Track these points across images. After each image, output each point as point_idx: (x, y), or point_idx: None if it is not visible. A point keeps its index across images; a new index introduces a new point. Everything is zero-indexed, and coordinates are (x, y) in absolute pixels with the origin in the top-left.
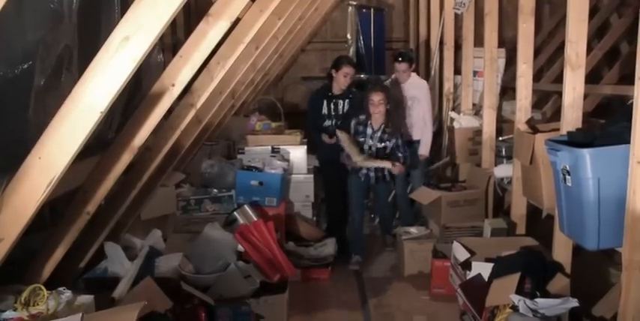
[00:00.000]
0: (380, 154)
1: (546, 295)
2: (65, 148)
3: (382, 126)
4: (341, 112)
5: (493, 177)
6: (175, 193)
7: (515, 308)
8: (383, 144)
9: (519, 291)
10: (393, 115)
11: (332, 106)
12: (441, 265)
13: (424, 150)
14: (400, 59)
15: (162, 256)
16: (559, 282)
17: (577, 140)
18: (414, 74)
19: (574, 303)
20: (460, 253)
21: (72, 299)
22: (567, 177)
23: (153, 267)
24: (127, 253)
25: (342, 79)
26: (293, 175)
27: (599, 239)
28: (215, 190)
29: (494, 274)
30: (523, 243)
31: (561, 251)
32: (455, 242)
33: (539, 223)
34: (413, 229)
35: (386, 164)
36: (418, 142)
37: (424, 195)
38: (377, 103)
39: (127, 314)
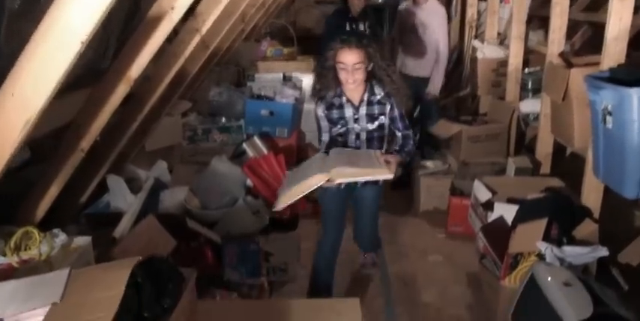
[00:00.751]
0: (374, 142)
1: (573, 241)
2: (42, 82)
3: (366, 96)
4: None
5: (517, 111)
6: (181, 123)
7: (541, 256)
8: (376, 122)
9: (545, 237)
10: (381, 72)
11: (353, 28)
12: (459, 202)
13: (434, 87)
14: None
15: (167, 189)
16: (587, 227)
17: (621, 77)
18: None
19: (603, 252)
20: (481, 193)
21: (67, 242)
22: (608, 118)
23: (157, 201)
24: (131, 185)
25: (357, 1)
26: (305, 105)
27: None
28: (223, 120)
29: (519, 219)
30: (549, 184)
31: (591, 196)
32: (476, 181)
33: (562, 162)
34: (430, 164)
35: (379, 174)
36: (428, 80)
37: (443, 128)
38: (351, 67)
39: (118, 272)
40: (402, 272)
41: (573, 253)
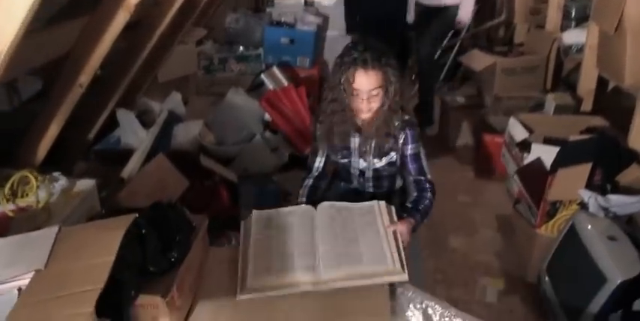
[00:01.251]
0: (384, 182)
1: (617, 188)
2: (10, 10)
3: (379, 125)
4: None
5: (559, 42)
6: (196, 51)
7: (583, 205)
8: (384, 159)
9: (588, 184)
10: (397, 99)
11: None
12: (490, 139)
13: (464, 14)
14: None
15: (181, 122)
16: (633, 173)
17: None
18: None
19: None
20: (517, 132)
21: (69, 186)
22: None
23: (170, 136)
24: (144, 118)
25: None
26: (328, 32)
27: None
28: (241, 48)
29: (560, 162)
30: (591, 123)
31: (639, 139)
32: (512, 118)
33: (603, 98)
34: (460, 98)
35: (388, 275)
36: (453, 8)
37: (476, 60)
38: (367, 93)
39: (111, 233)
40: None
41: (619, 202)
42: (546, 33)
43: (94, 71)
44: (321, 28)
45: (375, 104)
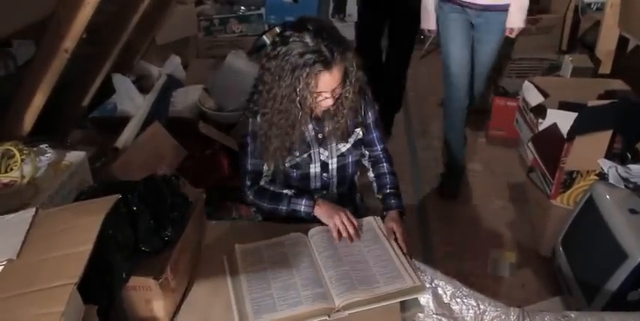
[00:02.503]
0: (348, 172)
1: (637, 155)
2: None
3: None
4: None
5: (577, 1)
6: (196, 12)
7: (602, 176)
8: (351, 140)
9: (608, 152)
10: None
11: None
12: (502, 103)
13: (516, 20)
14: None
15: (182, 87)
16: None
17: None
18: None
19: None
20: (532, 96)
21: (57, 159)
22: None
23: (168, 103)
24: (142, 83)
25: None
26: None
27: None
28: (242, 8)
29: (578, 129)
30: (611, 87)
31: None
32: (526, 82)
33: (622, 58)
34: None
35: (408, 293)
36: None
37: None
38: (332, 92)
39: (91, 217)
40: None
41: None
42: None
43: (79, 35)
44: None
45: (340, 89)
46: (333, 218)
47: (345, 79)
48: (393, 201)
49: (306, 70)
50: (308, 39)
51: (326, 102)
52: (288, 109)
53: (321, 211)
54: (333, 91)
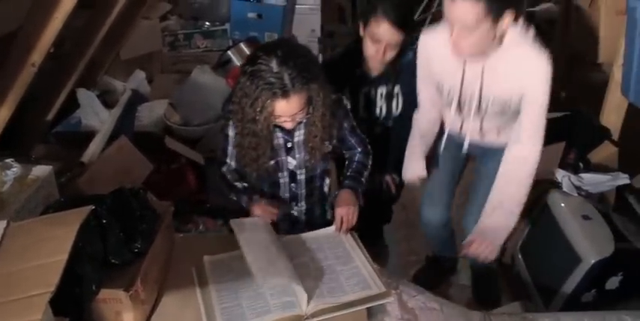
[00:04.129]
0: (316, 182)
1: (589, 165)
2: None
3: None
4: (386, 112)
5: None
6: (161, 27)
7: (556, 185)
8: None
9: (561, 162)
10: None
11: (369, 98)
12: None
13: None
14: None
15: (146, 102)
16: (605, 150)
17: None
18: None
19: (624, 179)
20: None
21: (23, 173)
22: None
23: (134, 118)
24: (107, 98)
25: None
26: (297, 6)
27: None
28: (207, 23)
29: None
30: (564, 100)
31: (612, 116)
32: None
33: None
34: None
35: (373, 300)
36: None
37: None
38: (288, 117)
39: (65, 229)
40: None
41: (592, 181)
42: None
43: (47, 50)
44: (290, 2)
45: (301, 115)
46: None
47: (309, 106)
48: (347, 181)
49: (265, 93)
50: (274, 64)
51: (286, 124)
52: (253, 127)
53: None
54: (292, 116)
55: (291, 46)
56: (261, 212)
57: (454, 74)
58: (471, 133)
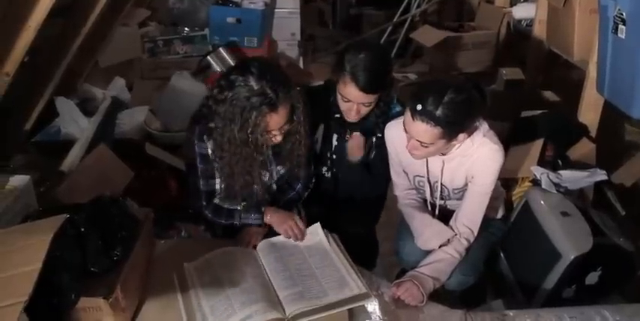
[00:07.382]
0: (285, 195)
1: (568, 162)
2: None
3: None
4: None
5: (509, 17)
6: (140, 34)
7: (535, 182)
8: (285, 167)
9: (540, 160)
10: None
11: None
12: None
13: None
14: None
15: (127, 109)
16: (583, 147)
17: None
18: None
19: (602, 175)
20: None
21: (1, 183)
22: (621, 27)
23: (114, 125)
24: (86, 106)
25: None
26: (277, 10)
27: None
28: (186, 29)
29: (512, 139)
30: (542, 98)
31: (589, 113)
32: None
33: (554, 71)
34: (412, 75)
35: (356, 300)
36: None
37: (427, 35)
38: (277, 130)
39: (39, 237)
40: None
41: (571, 177)
42: (496, 8)
43: (20, 59)
44: (269, 6)
45: (288, 124)
46: (282, 226)
47: (292, 115)
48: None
49: (254, 112)
50: (252, 82)
51: (276, 138)
52: (244, 151)
53: (271, 220)
54: (281, 128)
55: (259, 60)
56: (294, 229)
57: (420, 166)
58: (440, 208)
